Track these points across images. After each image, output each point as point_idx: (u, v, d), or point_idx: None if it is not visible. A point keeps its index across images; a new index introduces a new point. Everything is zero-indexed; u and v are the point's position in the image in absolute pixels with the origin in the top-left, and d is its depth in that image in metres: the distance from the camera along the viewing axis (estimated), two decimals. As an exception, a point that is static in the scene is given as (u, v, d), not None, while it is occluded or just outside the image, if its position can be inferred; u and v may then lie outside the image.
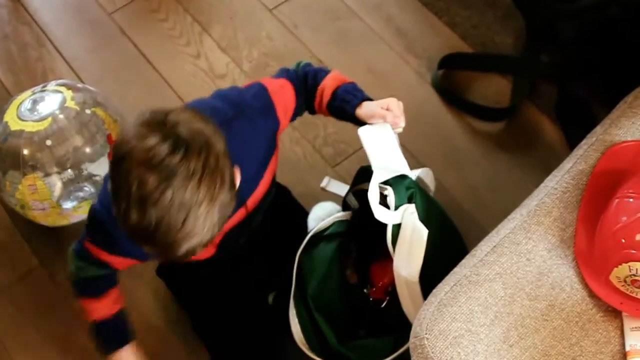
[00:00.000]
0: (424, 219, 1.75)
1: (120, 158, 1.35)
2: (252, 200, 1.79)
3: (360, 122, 1.76)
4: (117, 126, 2.15)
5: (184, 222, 1.33)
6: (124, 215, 1.35)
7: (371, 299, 1.95)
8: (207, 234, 1.38)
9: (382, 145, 1.76)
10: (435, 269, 1.72)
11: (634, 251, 1.47)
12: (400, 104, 1.76)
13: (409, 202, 1.76)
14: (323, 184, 2.21)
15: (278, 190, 1.98)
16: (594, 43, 2.37)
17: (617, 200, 1.56)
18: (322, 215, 1.96)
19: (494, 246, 1.60)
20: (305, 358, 1.89)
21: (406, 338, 1.79)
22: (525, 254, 1.58)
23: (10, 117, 2.11)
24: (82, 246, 1.76)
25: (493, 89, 2.46)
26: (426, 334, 1.49)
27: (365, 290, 1.96)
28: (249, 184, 1.71)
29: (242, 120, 1.63)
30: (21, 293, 2.23)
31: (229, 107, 1.64)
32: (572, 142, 2.28)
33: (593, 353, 1.50)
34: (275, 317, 2.02)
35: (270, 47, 2.60)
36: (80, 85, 2.25)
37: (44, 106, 2.11)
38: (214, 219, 1.37)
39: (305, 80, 1.80)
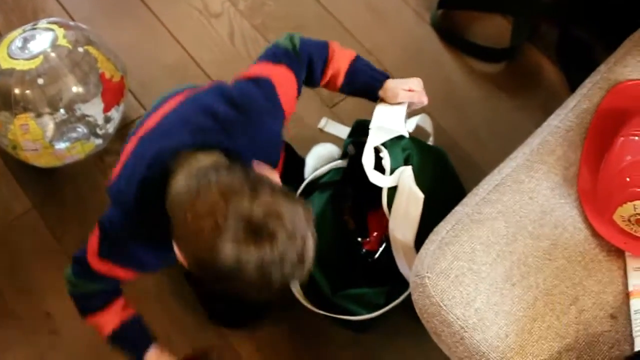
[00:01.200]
0: (419, 180, 1.74)
1: (225, 273, 1.27)
2: None
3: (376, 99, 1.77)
4: (111, 64, 2.11)
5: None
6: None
7: (364, 250, 1.93)
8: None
9: (390, 117, 1.75)
10: (430, 228, 1.68)
11: (639, 189, 1.45)
12: (420, 80, 1.77)
13: (406, 164, 1.74)
14: (321, 125, 2.18)
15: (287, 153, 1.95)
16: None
17: (621, 138, 1.54)
18: (323, 154, 1.93)
19: (496, 185, 1.57)
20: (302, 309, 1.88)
21: (400, 289, 1.80)
22: (528, 192, 1.56)
23: (0, 56, 2.06)
24: (84, 264, 1.63)
25: (493, 29, 2.42)
26: (427, 272, 1.47)
27: (359, 239, 1.94)
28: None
29: (246, 119, 1.54)
30: (14, 236, 2.21)
31: (233, 107, 1.53)
32: (573, 83, 2.26)
33: (596, 292, 1.49)
34: None
35: (266, -16, 2.56)
36: (72, 23, 2.20)
37: (35, 44, 2.06)
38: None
39: (310, 62, 1.71)
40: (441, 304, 1.45)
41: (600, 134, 1.61)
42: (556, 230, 1.53)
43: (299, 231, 1.27)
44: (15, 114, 2.02)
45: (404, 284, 1.79)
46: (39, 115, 2.02)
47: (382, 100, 1.76)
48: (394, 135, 1.76)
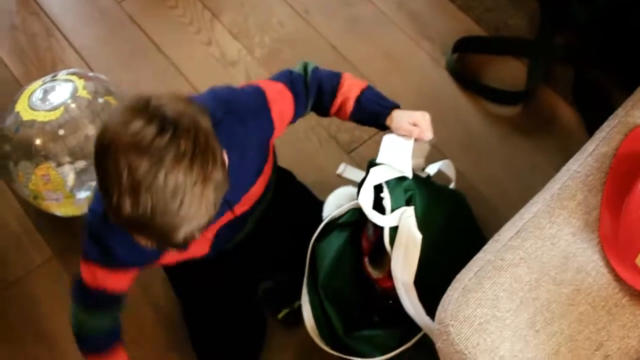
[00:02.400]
0: (424, 221, 1.74)
1: (105, 147, 1.28)
2: (241, 205, 1.74)
3: (385, 128, 1.78)
4: (130, 115, 2.13)
5: (180, 205, 1.27)
6: (117, 206, 1.27)
7: (378, 288, 1.93)
8: (204, 216, 1.32)
9: (397, 149, 1.76)
10: (436, 271, 1.71)
11: (661, 234, 1.45)
12: (427, 115, 1.77)
13: (408, 204, 1.74)
14: (339, 171, 2.19)
15: (280, 178, 1.95)
16: (609, 25, 2.35)
17: (641, 182, 1.54)
18: (344, 195, 1.94)
19: (518, 230, 1.57)
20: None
21: (413, 332, 1.80)
22: (550, 238, 1.56)
23: (22, 107, 2.09)
24: (80, 278, 1.67)
25: (509, 72, 2.44)
26: (451, 320, 1.47)
27: (373, 277, 1.93)
28: (237, 190, 1.66)
29: (232, 120, 1.56)
30: (35, 284, 2.22)
31: (220, 106, 1.55)
32: (590, 125, 2.27)
33: (620, 337, 1.48)
34: (260, 313, 2.05)
35: (282, 33, 2.57)
36: (91, 74, 2.23)
37: (56, 96, 2.09)
38: (209, 200, 1.31)
39: (319, 87, 1.75)
40: (465, 351, 1.44)
41: (620, 178, 1.61)
42: (579, 275, 1.53)
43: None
44: (36, 164, 2.04)
45: (417, 326, 1.79)
46: (59, 164, 2.04)
47: (390, 131, 1.78)
48: (396, 174, 1.76)
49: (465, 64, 2.46)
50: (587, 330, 1.48)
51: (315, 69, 1.76)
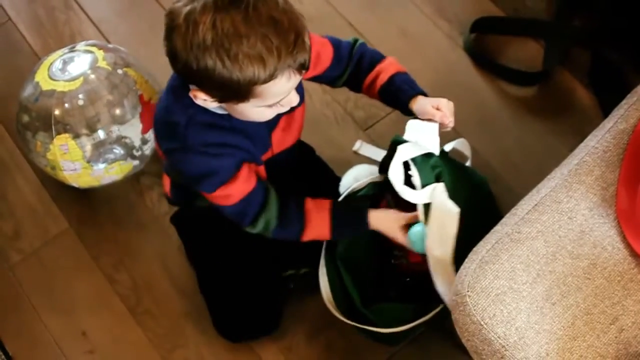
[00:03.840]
0: (452, 198, 1.74)
1: (202, 44, 1.40)
2: (277, 142, 1.78)
3: (408, 113, 1.79)
4: (149, 86, 2.14)
5: (282, 24, 1.41)
6: (253, 71, 1.41)
7: (404, 262, 1.94)
8: (303, 30, 1.45)
9: (424, 132, 1.77)
10: (466, 245, 1.70)
11: (678, 210, 1.46)
12: (451, 104, 1.78)
13: (437, 181, 1.75)
14: (355, 147, 2.21)
15: (303, 149, 1.97)
16: (626, 7, 2.34)
17: (659, 158, 1.55)
18: (358, 176, 1.94)
19: (535, 204, 1.58)
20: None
21: (427, 308, 1.82)
22: (567, 212, 1.57)
23: (41, 77, 2.10)
24: (225, 209, 1.74)
25: (526, 53, 2.44)
26: (468, 291, 1.48)
27: (393, 261, 1.95)
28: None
29: None
30: (51, 255, 2.23)
31: None
32: (606, 107, 2.27)
33: (635, 312, 1.49)
34: (281, 289, 2.05)
35: (300, 9, 2.43)
36: (110, 45, 2.24)
37: (75, 66, 2.10)
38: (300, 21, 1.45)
39: (361, 58, 1.81)
40: (482, 322, 1.46)
41: (638, 155, 1.62)
42: (595, 249, 1.53)
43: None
44: (55, 135, 2.05)
45: (434, 301, 1.80)
46: (77, 136, 2.05)
47: (414, 117, 1.79)
48: (422, 152, 1.77)
49: (483, 44, 2.47)
50: (602, 304, 1.49)
51: (363, 43, 1.84)
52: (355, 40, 1.83)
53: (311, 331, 2.07)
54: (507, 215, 1.60)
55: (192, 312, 2.10)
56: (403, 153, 1.75)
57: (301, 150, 1.93)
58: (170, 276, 2.16)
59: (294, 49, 1.41)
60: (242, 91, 1.45)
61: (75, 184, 2.17)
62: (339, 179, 1.97)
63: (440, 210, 1.73)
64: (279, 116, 1.69)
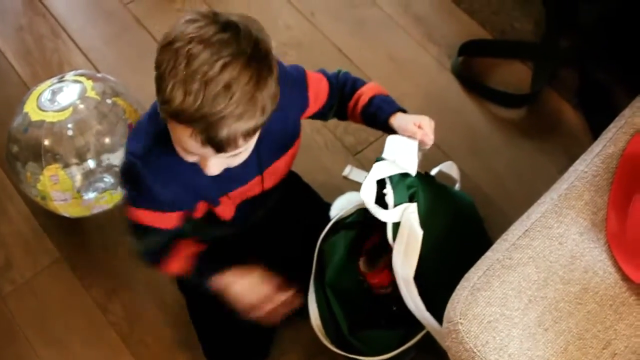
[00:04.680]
0: (427, 218, 1.74)
1: (169, 41, 1.36)
2: (270, 174, 1.78)
3: (390, 132, 1.79)
4: (138, 115, 2.14)
5: (230, 99, 1.34)
6: (170, 96, 1.35)
7: (366, 283, 1.94)
8: (251, 119, 1.38)
9: (402, 150, 1.76)
10: (439, 268, 1.74)
11: (668, 233, 1.46)
12: (432, 122, 1.78)
13: (411, 200, 1.75)
14: (345, 173, 2.19)
15: (288, 177, 1.97)
16: (614, 27, 2.36)
17: (649, 182, 1.55)
18: (349, 202, 1.94)
19: (526, 230, 1.58)
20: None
21: (415, 331, 1.81)
22: (557, 237, 1.57)
23: (30, 107, 2.09)
24: (129, 221, 1.73)
25: (514, 75, 2.45)
26: (460, 318, 1.48)
27: (364, 272, 1.94)
28: (270, 154, 1.72)
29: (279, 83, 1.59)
30: (43, 285, 2.22)
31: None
32: (594, 127, 2.28)
33: (627, 336, 1.49)
34: None
35: (289, 36, 2.58)
36: (99, 75, 2.24)
37: (64, 96, 2.09)
38: (258, 104, 1.38)
39: (344, 85, 1.82)
40: (475, 350, 1.45)
41: (627, 178, 1.63)
42: (586, 274, 1.54)
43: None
44: (45, 165, 2.05)
45: (420, 326, 1.80)
46: (66, 165, 2.04)
47: (394, 132, 1.79)
48: (398, 171, 1.77)
49: (471, 67, 2.48)
50: (594, 329, 1.49)
51: (347, 72, 1.85)
52: (339, 70, 1.85)
53: (304, 357, 2.06)
54: (498, 241, 1.60)
55: (186, 340, 2.08)
56: (378, 171, 1.75)
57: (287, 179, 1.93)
58: (163, 304, 2.15)
59: (215, 121, 1.36)
60: (159, 100, 1.41)
61: (66, 214, 2.17)
62: (327, 205, 1.97)
63: (407, 230, 1.72)
64: (270, 161, 1.73)
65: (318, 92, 1.77)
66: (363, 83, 1.84)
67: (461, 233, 1.89)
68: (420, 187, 1.77)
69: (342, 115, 1.88)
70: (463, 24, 2.56)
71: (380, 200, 1.77)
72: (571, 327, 1.49)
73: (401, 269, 1.73)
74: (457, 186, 2.06)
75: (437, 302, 1.73)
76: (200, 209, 1.78)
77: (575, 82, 2.40)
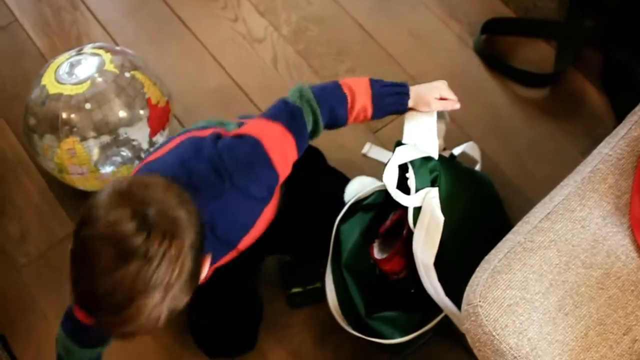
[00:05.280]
0: (448, 203, 1.73)
1: (85, 222, 1.32)
2: (244, 244, 1.72)
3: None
4: (157, 89, 2.12)
5: (129, 305, 1.29)
6: (75, 280, 1.33)
7: (379, 269, 1.92)
8: (151, 322, 1.33)
9: (422, 129, 1.75)
10: (458, 253, 1.73)
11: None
12: (446, 84, 1.75)
13: (432, 185, 1.74)
14: (364, 150, 2.19)
15: (309, 157, 1.94)
16: (638, 7, 2.32)
17: (674, 166, 1.53)
18: (366, 182, 1.93)
19: (548, 213, 1.56)
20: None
21: (433, 315, 1.81)
22: (580, 221, 1.55)
23: (48, 80, 2.08)
24: (70, 315, 1.69)
25: (537, 54, 2.41)
26: (480, 301, 1.46)
27: (376, 258, 1.92)
28: (239, 234, 1.67)
29: (234, 192, 1.54)
30: (58, 258, 2.21)
31: (221, 179, 1.53)
32: (618, 109, 2.25)
33: (649, 322, 1.47)
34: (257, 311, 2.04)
35: (310, 11, 2.55)
36: (118, 48, 2.22)
37: (82, 69, 2.08)
38: (161, 310, 1.32)
39: (330, 113, 1.66)
40: (494, 333, 1.44)
41: (652, 162, 1.60)
42: (608, 259, 1.51)
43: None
44: (62, 138, 2.04)
45: (438, 310, 1.80)
46: (84, 139, 2.03)
47: (411, 109, 1.76)
48: (421, 155, 1.75)
49: (493, 45, 2.44)
50: (615, 315, 1.47)
51: (315, 91, 1.65)
52: (300, 94, 1.63)
53: (320, 336, 2.05)
54: (520, 223, 1.58)
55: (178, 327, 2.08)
56: (401, 155, 1.73)
57: (305, 159, 1.88)
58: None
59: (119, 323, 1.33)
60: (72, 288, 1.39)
61: (82, 187, 2.16)
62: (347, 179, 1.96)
63: (428, 215, 1.71)
64: (236, 242, 1.69)
65: (285, 155, 1.61)
66: (343, 93, 1.67)
67: (481, 216, 1.87)
68: (442, 171, 1.75)
69: (340, 127, 1.74)
70: (486, 2, 2.52)
71: (401, 184, 1.75)
72: (592, 312, 1.47)
73: (421, 254, 1.72)
74: (477, 167, 2.04)
75: (456, 286, 1.71)
76: None
77: (599, 63, 2.37)
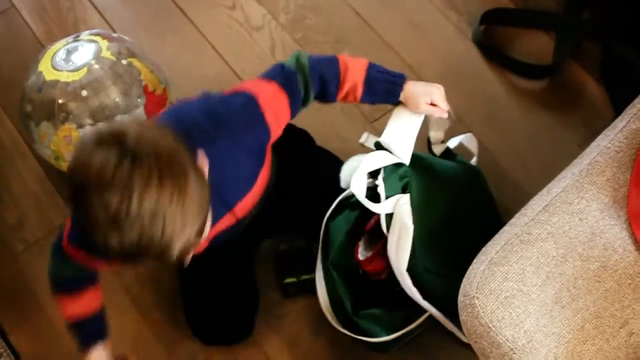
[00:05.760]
0: (422, 208, 1.73)
1: (77, 191, 1.28)
2: (241, 208, 1.72)
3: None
4: (154, 76, 2.11)
5: (163, 228, 1.26)
6: (105, 246, 1.28)
7: (362, 270, 1.92)
8: (193, 228, 1.32)
9: (403, 130, 1.74)
10: (435, 255, 1.75)
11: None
12: (442, 89, 1.72)
13: (404, 191, 1.73)
14: (362, 140, 2.18)
15: (294, 142, 1.93)
16: (636, 1, 2.31)
17: (673, 160, 1.52)
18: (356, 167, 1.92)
19: (546, 205, 1.56)
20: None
21: (415, 315, 1.82)
22: (578, 213, 1.54)
23: (44, 67, 2.07)
24: (60, 248, 1.68)
25: (536, 45, 2.41)
26: (477, 292, 1.46)
27: (360, 258, 1.92)
28: (235, 194, 1.67)
29: (226, 140, 1.54)
30: (54, 245, 2.21)
31: (213, 124, 1.53)
32: (617, 102, 2.25)
33: (646, 316, 1.47)
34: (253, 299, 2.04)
35: (308, -1, 2.55)
36: (115, 35, 2.21)
37: (79, 56, 2.07)
38: (191, 212, 1.30)
39: (321, 80, 1.68)
40: (490, 325, 1.44)
41: (651, 155, 1.60)
42: (606, 252, 1.51)
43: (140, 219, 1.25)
44: (58, 125, 2.03)
45: (422, 309, 1.81)
46: (80, 126, 2.02)
47: (402, 104, 1.75)
48: (390, 162, 1.75)
49: (492, 36, 2.43)
50: (612, 308, 1.48)
51: (313, 61, 1.68)
52: (297, 59, 1.67)
53: (315, 326, 2.05)
54: (517, 215, 1.58)
55: (169, 307, 2.10)
56: (369, 163, 1.73)
57: (297, 143, 1.89)
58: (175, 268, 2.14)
59: (162, 250, 1.30)
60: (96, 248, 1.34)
61: (78, 175, 2.15)
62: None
63: (398, 223, 1.71)
64: (233, 203, 1.68)
65: (277, 113, 1.62)
66: (338, 66, 1.69)
67: (464, 215, 1.86)
68: (414, 176, 1.75)
69: (328, 102, 1.74)
70: (485, -8, 2.51)
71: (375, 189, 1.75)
72: (588, 305, 1.47)
73: (395, 260, 1.73)
74: (474, 160, 2.04)
75: (434, 290, 1.73)
76: None
77: (598, 55, 2.36)
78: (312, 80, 1.66)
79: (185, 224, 1.29)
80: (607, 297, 1.48)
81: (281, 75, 1.64)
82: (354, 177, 1.71)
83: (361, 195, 1.72)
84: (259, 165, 1.69)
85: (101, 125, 1.29)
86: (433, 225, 1.76)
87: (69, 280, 1.74)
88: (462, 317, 1.49)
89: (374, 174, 1.78)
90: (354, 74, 1.69)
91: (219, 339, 2.03)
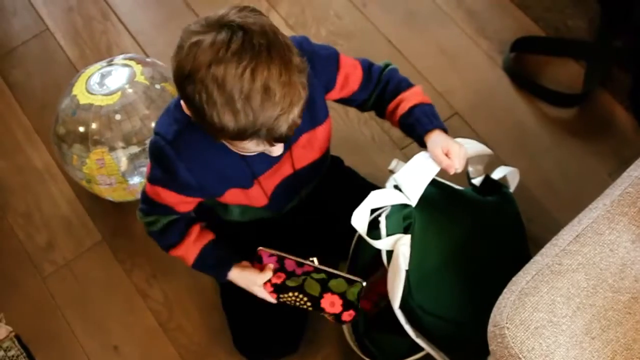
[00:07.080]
0: (424, 248, 1.72)
1: (188, 74, 1.36)
2: (299, 148, 1.74)
3: (424, 145, 1.76)
4: (186, 102, 2.13)
5: (275, 97, 1.35)
6: (221, 125, 1.36)
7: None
8: (300, 101, 1.40)
9: (418, 173, 1.74)
10: (436, 296, 1.73)
11: None
12: (463, 150, 1.72)
13: (406, 232, 1.73)
14: (391, 166, 2.17)
15: (330, 164, 1.95)
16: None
17: None
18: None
19: (577, 235, 1.55)
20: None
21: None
22: (609, 244, 1.54)
23: (79, 90, 2.10)
24: (144, 195, 1.75)
25: (566, 74, 2.40)
26: (507, 323, 1.46)
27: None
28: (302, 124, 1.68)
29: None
30: (84, 268, 2.24)
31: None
32: (646, 131, 2.24)
33: (676, 349, 1.46)
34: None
35: (339, 25, 2.56)
36: (148, 59, 2.23)
37: (113, 80, 2.10)
38: (299, 80, 1.39)
39: (386, 83, 1.79)
40: (520, 355, 1.43)
41: (682, 187, 1.59)
42: (637, 283, 1.51)
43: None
44: (91, 149, 2.05)
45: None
46: (112, 149, 2.04)
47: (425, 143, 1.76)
48: (394, 202, 1.75)
49: (523, 64, 2.44)
50: (643, 340, 1.47)
51: (394, 69, 1.81)
52: (387, 65, 1.81)
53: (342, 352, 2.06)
54: (547, 245, 1.57)
55: (224, 328, 2.08)
56: (373, 200, 1.72)
57: (328, 163, 1.92)
58: (202, 291, 2.15)
59: (273, 123, 1.38)
60: (211, 131, 1.42)
61: (110, 198, 2.17)
62: (369, 185, 1.98)
63: (396, 262, 1.71)
64: (299, 133, 1.70)
65: (348, 78, 1.74)
66: (408, 85, 1.80)
67: (480, 256, 1.82)
68: (418, 219, 1.74)
69: (381, 114, 1.85)
70: (516, 20, 2.51)
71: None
72: (619, 336, 1.46)
73: (390, 295, 1.74)
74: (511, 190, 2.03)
75: (434, 330, 1.73)
76: (231, 196, 1.75)
77: (628, 84, 2.35)
78: (381, 80, 1.79)
79: (293, 97, 1.38)
80: (637, 328, 1.47)
81: (367, 63, 1.79)
82: (356, 211, 1.70)
83: (362, 230, 1.71)
84: (324, 112, 1.73)
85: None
86: (433, 267, 1.74)
87: (167, 229, 1.79)
88: (492, 346, 1.49)
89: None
90: (412, 96, 1.78)
91: (265, 353, 2.02)
